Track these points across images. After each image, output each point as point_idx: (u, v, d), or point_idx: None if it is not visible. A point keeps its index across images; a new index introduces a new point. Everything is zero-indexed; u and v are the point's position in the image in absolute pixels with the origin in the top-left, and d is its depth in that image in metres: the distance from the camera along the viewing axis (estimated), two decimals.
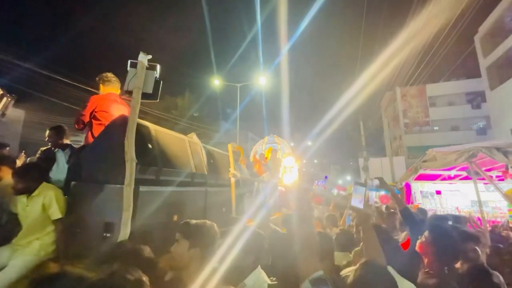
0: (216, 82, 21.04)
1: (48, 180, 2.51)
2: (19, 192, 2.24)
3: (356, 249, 2.40)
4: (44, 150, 3.31)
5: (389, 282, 1.27)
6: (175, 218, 2.38)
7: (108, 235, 1.96)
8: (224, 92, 23.03)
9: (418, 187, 9.11)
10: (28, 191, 2.25)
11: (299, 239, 1.38)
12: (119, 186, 1.93)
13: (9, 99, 3.15)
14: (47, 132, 3.27)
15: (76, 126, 2.92)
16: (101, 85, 3.16)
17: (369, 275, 1.28)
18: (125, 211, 1.82)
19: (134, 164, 1.90)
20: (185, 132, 4.16)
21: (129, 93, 2.13)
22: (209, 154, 3.50)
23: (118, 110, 2.85)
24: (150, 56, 2.19)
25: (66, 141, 3.34)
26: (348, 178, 43.53)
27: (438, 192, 8.93)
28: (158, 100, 2.21)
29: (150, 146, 2.22)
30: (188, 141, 2.99)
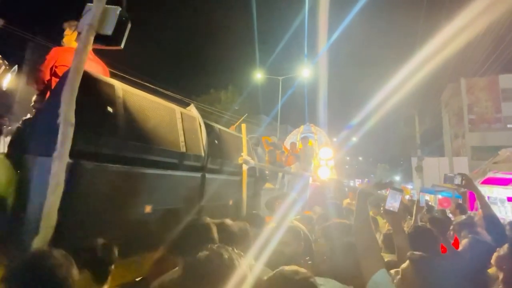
0: (258, 75, 20.77)
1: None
2: None
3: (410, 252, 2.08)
4: (25, 120, 2.78)
5: (448, 275, 1.33)
6: (148, 209, 1.90)
7: None
8: (266, 85, 22.59)
9: (485, 192, 7.86)
10: None
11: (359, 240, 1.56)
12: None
13: (7, 68, 2.95)
14: (34, 97, 2.61)
15: (36, 86, 2.37)
16: (70, 33, 2.54)
17: (425, 268, 1.34)
18: (50, 195, 1.33)
19: (71, 129, 1.42)
20: (227, 125, 3.66)
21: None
22: (213, 134, 2.91)
23: (88, 67, 2.32)
24: None
25: None
26: (398, 178, 40.21)
27: (510, 199, 7.99)
28: (122, 47, 1.70)
29: (110, 110, 1.71)
30: (180, 112, 2.41)
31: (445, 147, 30.81)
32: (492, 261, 1.84)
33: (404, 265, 1.41)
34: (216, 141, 2.93)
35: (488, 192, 8.02)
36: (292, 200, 3.50)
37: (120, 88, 1.83)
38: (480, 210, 2.83)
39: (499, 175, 7.45)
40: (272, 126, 23.16)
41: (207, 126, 2.84)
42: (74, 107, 1.43)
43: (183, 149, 2.28)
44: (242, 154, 3.39)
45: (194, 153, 2.45)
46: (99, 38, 1.60)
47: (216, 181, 2.85)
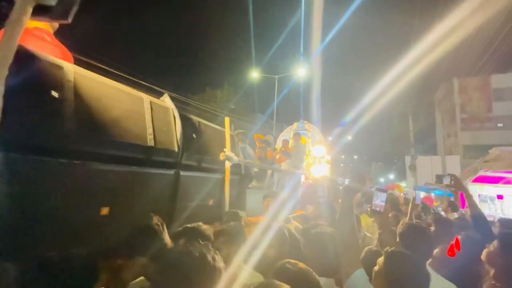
0: (254, 74, 20.70)
1: None
2: None
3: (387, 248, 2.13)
4: None
5: (419, 270, 1.31)
6: (105, 211, 1.69)
7: None
8: (262, 84, 22.50)
9: (476, 190, 7.94)
10: None
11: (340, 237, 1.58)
12: None
13: None
14: None
15: None
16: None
17: (396, 263, 1.35)
18: None
19: None
20: (222, 124, 3.45)
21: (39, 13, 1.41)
22: (191, 127, 2.67)
23: (41, 49, 2.04)
24: None
25: None
26: (391, 177, 40.50)
27: (500, 197, 8.01)
28: (69, 21, 1.47)
29: (55, 94, 1.48)
30: (150, 102, 2.13)
31: (438, 146, 31.07)
32: (483, 257, 1.88)
33: (379, 259, 1.42)
34: (194, 135, 2.72)
35: (479, 190, 8.07)
36: (283, 198, 3.36)
37: (72, 70, 1.58)
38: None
39: (489, 174, 7.49)
40: (269, 124, 23.16)
41: (184, 118, 2.58)
42: (2, 89, 1.22)
43: (150, 143, 2.06)
44: (224, 150, 3.21)
45: (165, 148, 2.24)
46: (41, 10, 1.37)
47: (193, 179, 2.66)
